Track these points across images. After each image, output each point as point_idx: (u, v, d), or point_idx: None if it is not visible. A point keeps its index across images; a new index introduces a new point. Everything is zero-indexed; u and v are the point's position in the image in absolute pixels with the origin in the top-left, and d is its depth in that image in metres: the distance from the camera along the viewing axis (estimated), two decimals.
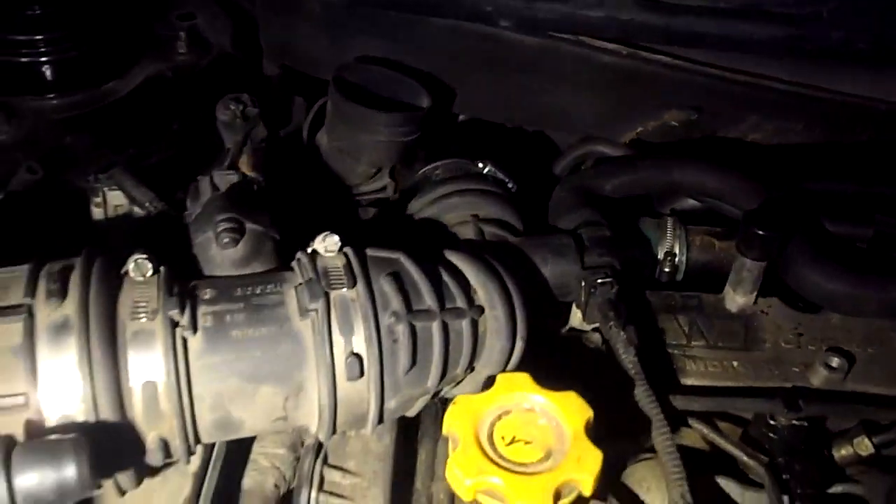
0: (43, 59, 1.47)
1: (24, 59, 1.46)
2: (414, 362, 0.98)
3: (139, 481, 0.94)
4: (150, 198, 1.22)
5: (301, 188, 1.41)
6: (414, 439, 1.18)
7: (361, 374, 0.95)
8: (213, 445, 1.13)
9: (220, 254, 1.04)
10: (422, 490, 1.11)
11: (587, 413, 0.95)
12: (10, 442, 0.78)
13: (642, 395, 1.11)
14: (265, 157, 1.34)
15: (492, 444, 0.93)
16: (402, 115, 1.43)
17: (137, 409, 0.89)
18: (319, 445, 1.11)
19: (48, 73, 1.48)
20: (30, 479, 0.76)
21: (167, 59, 1.59)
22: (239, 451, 1.18)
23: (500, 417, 0.96)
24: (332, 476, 1.09)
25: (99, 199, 1.25)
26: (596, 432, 0.95)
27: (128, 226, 1.20)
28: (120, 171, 1.25)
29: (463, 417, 0.94)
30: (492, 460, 0.90)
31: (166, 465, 1.04)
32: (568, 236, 1.31)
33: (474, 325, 1.05)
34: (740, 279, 1.36)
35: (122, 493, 0.94)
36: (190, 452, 0.96)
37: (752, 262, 1.33)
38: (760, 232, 1.29)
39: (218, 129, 1.41)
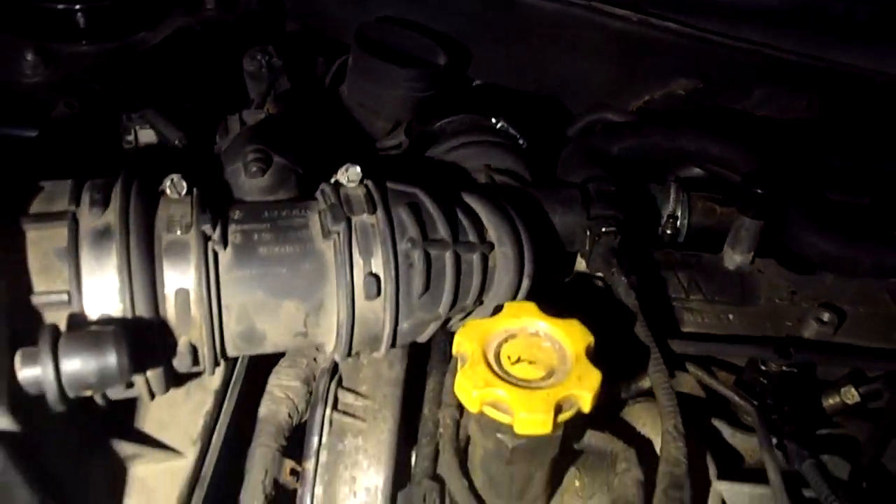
0: (77, 6, 1.53)
1: (59, 6, 1.53)
2: (427, 287, 1.04)
3: (168, 386, 1.00)
4: (180, 136, 1.29)
5: (321, 140, 1.47)
6: (423, 371, 1.24)
7: (378, 293, 1.01)
8: (233, 368, 1.20)
9: (248, 182, 1.11)
10: (429, 416, 1.16)
11: (588, 338, 1.01)
12: (55, 330, 0.84)
13: (641, 333, 1.17)
14: (287, 107, 1.40)
15: (498, 362, 0.99)
16: (419, 70, 1.49)
17: (170, 314, 0.96)
18: (334, 369, 1.17)
19: (82, 20, 1.54)
20: (74, 364, 0.83)
21: (196, 14, 1.66)
22: (255, 384, 1.25)
23: (506, 340, 1.02)
24: (346, 398, 1.15)
25: (130, 137, 1.31)
26: (596, 356, 1.01)
27: (159, 158, 1.26)
28: (151, 112, 1.31)
29: (472, 338, 1.00)
30: (498, 375, 0.96)
31: (191, 377, 1.11)
32: (575, 189, 1.38)
33: (484, 259, 1.11)
34: (738, 238, 1.42)
35: (152, 395, 1.01)
36: (215, 363, 1.02)
37: (751, 221, 1.39)
38: (759, 191, 1.36)
39: (244, 79, 1.47)
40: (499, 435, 1.00)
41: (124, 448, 1.03)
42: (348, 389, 1.16)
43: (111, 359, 0.83)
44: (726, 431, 1.25)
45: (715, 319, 1.38)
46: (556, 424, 0.94)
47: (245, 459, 1.20)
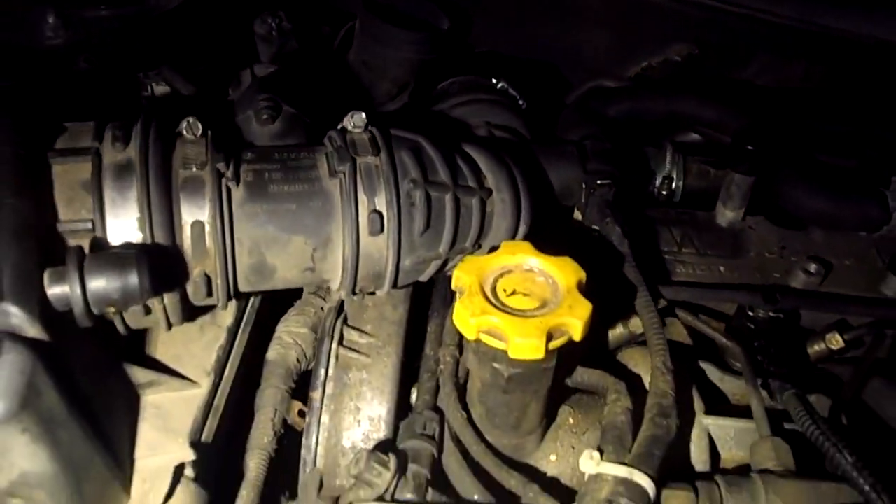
0: None
1: None
2: (428, 225, 1.10)
3: (184, 316, 1.07)
4: (194, 91, 1.35)
5: (328, 96, 1.53)
6: (424, 315, 1.30)
7: (381, 229, 1.07)
8: (244, 309, 1.27)
9: (259, 129, 1.17)
10: (430, 354, 1.23)
11: (580, 273, 1.07)
12: (81, 252, 0.91)
13: (632, 276, 1.23)
14: (297, 64, 1.46)
15: (494, 294, 1.05)
16: (424, 34, 1.55)
17: (186, 245, 1.02)
18: (340, 308, 1.23)
19: None
20: (99, 282, 0.89)
21: None
22: (265, 330, 1.31)
23: (502, 275, 1.07)
24: (351, 335, 1.21)
25: (147, 93, 1.38)
26: (587, 290, 1.06)
27: (174, 107, 1.33)
28: (168, 69, 1.38)
29: (469, 272, 1.06)
30: (493, 305, 1.02)
31: (205, 311, 1.18)
32: (572, 145, 1.43)
33: (483, 204, 1.17)
34: (730, 194, 1.48)
35: (169, 325, 1.07)
36: (228, 296, 1.08)
37: (741, 177, 1.44)
38: (749, 147, 1.41)
39: (255, 42, 1.53)
40: (495, 364, 1.05)
41: (142, 375, 1.09)
42: (353, 328, 1.22)
43: (133, 278, 0.90)
44: (715, 375, 1.30)
45: (706, 271, 1.43)
46: (548, 351, 0.99)
47: (255, 399, 1.27)
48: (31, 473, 0.83)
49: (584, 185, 1.38)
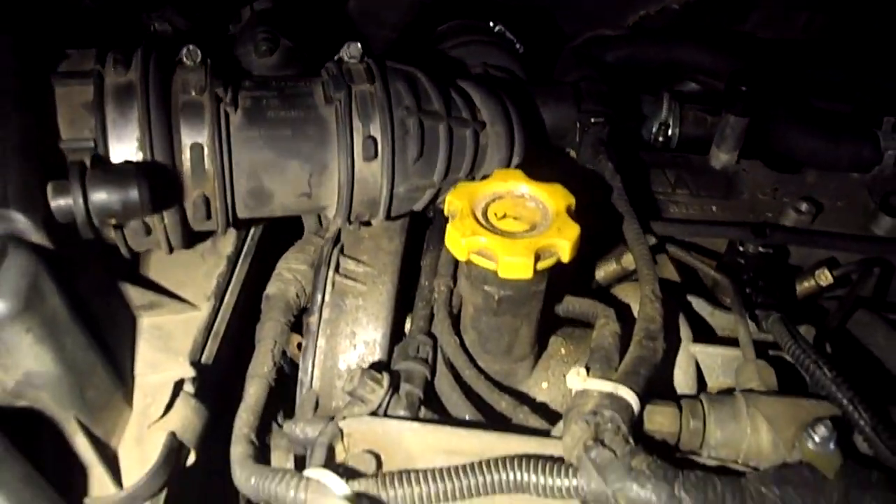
0: None
1: None
2: (421, 153, 1.13)
3: (184, 239, 1.10)
4: (196, 29, 1.37)
5: (326, 35, 1.54)
6: (420, 249, 1.33)
7: (375, 155, 1.10)
8: (244, 240, 1.30)
9: (258, 61, 1.20)
10: (425, 284, 1.26)
11: (570, 199, 1.09)
12: (83, 166, 0.94)
13: (623, 208, 1.25)
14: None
15: (485, 217, 1.07)
16: None
17: (186, 167, 1.05)
18: (337, 238, 1.26)
19: None
20: (100, 195, 0.92)
21: None
22: (265, 267, 1.34)
23: (493, 200, 1.10)
24: (348, 264, 1.24)
25: (150, 32, 1.40)
26: (576, 215, 1.09)
27: (176, 40, 1.35)
28: (170, 9, 1.40)
29: (462, 197, 1.09)
30: (484, 227, 1.05)
31: (205, 237, 1.21)
32: (567, 86, 1.45)
33: (476, 136, 1.20)
34: (724, 136, 1.50)
35: (171, 248, 1.10)
36: (227, 222, 1.12)
37: (736, 119, 1.46)
38: (743, 88, 1.43)
39: None
40: (486, 287, 1.08)
41: (143, 297, 1.12)
42: (350, 257, 1.25)
43: (133, 192, 0.93)
44: (705, 309, 1.32)
45: (699, 211, 1.46)
46: (536, 271, 1.02)
47: (254, 332, 1.30)
48: (36, 373, 0.87)
49: (577, 124, 1.40)
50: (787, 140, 1.49)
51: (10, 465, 0.80)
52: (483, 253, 1.03)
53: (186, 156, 1.04)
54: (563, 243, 1.03)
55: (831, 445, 0.93)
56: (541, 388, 1.24)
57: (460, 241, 1.03)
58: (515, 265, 1.01)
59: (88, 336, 0.94)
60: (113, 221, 0.95)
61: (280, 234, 1.42)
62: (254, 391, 1.21)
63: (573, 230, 1.05)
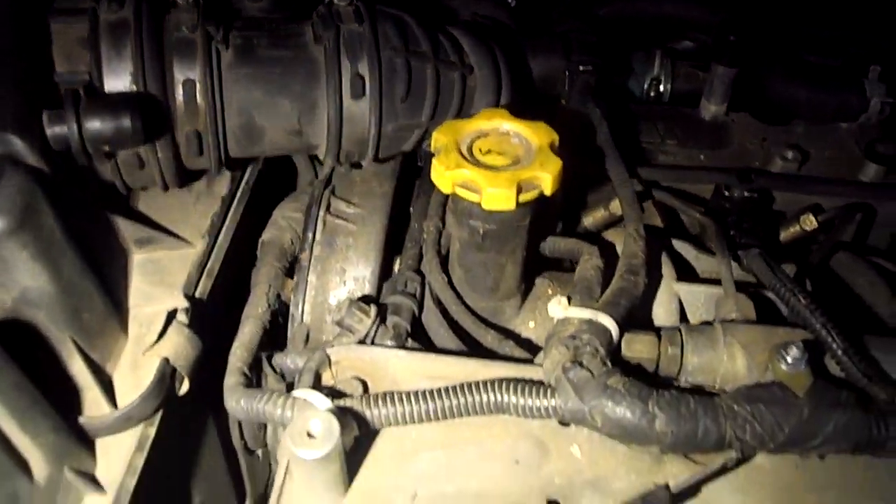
0: None
1: None
2: (409, 92, 1.16)
3: (178, 177, 1.13)
4: None
5: None
6: (410, 195, 1.36)
7: (363, 92, 1.13)
8: (240, 183, 1.33)
9: (250, 6, 1.22)
10: (415, 227, 1.28)
11: (553, 135, 1.11)
12: (77, 95, 0.97)
13: (608, 150, 1.27)
14: None
15: (470, 152, 1.10)
16: None
17: (178, 102, 1.08)
18: (329, 180, 1.29)
19: None
20: (94, 123, 0.96)
21: None
22: (258, 213, 1.37)
23: (479, 137, 1.13)
24: (339, 205, 1.27)
25: None
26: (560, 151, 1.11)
27: None
28: None
29: (447, 133, 1.11)
30: (468, 160, 1.08)
31: (198, 176, 1.24)
32: (557, 36, 1.48)
33: (464, 79, 1.22)
34: (713, 88, 1.52)
35: (165, 186, 1.14)
36: (219, 159, 1.15)
37: (725, 70, 1.48)
38: (732, 38, 1.44)
39: None
40: (471, 221, 1.11)
41: (140, 232, 1.15)
42: (342, 198, 1.28)
43: (126, 120, 0.96)
44: (690, 253, 1.34)
45: (687, 160, 1.48)
46: (519, 204, 1.05)
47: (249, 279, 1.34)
48: (32, 289, 0.90)
49: (566, 73, 1.42)
50: (775, 89, 1.51)
51: (5, 373, 0.83)
52: (467, 185, 1.06)
53: (179, 91, 1.07)
54: (545, 176, 1.06)
55: (802, 366, 0.95)
56: (528, 328, 1.26)
57: (444, 173, 1.06)
58: (498, 196, 1.03)
59: (83, 261, 0.97)
60: (106, 149, 0.98)
61: (275, 183, 1.45)
62: (248, 330, 1.24)
63: (556, 164, 1.07)
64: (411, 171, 1.38)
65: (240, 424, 1.29)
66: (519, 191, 1.05)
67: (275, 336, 1.28)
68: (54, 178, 0.94)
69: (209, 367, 1.15)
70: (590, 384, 0.94)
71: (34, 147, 0.92)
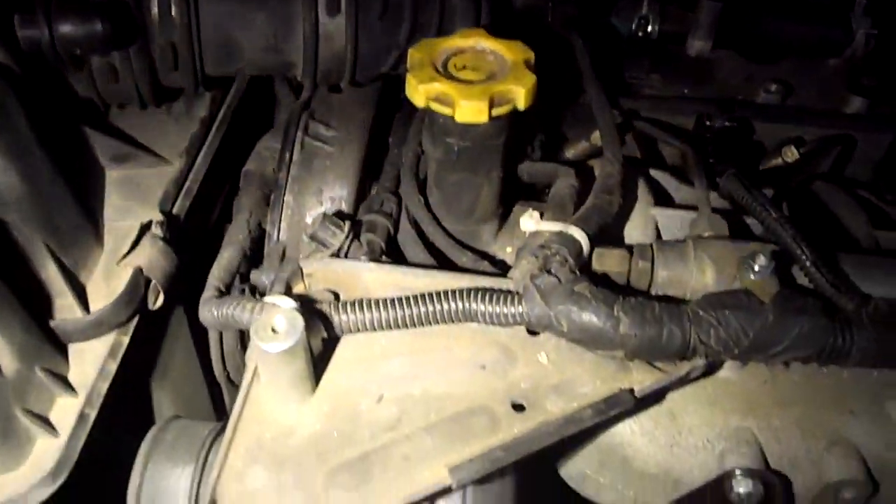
0: None
1: None
2: (385, 10, 1.15)
3: (155, 95, 1.14)
4: None
5: None
6: (390, 127, 1.36)
7: (339, 9, 1.13)
8: (220, 106, 1.33)
9: None
10: (395, 153, 1.29)
11: (529, 53, 1.11)
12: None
13: (590, 80, 1.27)
14: None
15: (445, 68, 1.10)
16: None
17: (153, 13, 1.08)
18: (308, 103, 1.29)
19: None
20: (66, 27, 0.96)
21: None
22: (239, 139, 1.38)
23: (455, 54, 1.13)
24: (317, 128, 1.27)
25: None
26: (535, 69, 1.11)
27: None
28: None
29: (423, 50, 1.11)
30: (442, 75, 1.08)
31: (176, 95, 1.24)
32: None
33: (443, 2, 1.22)
34: (699, 24, 1.51)
35: (143, 104, 1.14)
36: (195, 77, 1.15)
37: (710, 4, 1.48)
38: None
39: None
40: (447, 139, 1.11)
41: (118, 148, 1.16)
42: (320, 121, 1.28)
43: (97, 24, 0.96)
44: (670, 184, 1.34)
45: (670, 92, 1.47)
46: (492, 118, 1.05)
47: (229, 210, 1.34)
48: (3, 186, 0.91)
49: (550, 3, 1.41)
50: (761, 24, 1.50)
51: None
52: (440, 99, 1.06)
53: (154, 1, 1.07)
54: (518, 90, 1.06)
55: (769, 274, 0.96)
56: (504, 252, 1.26)
57: (418, 87, 1.06)
58: (471, 109, 1.03)
59: (55, 165, 0.98)
60: (77, 52, 0.98)
61: (257, 113, 1.45)
62: (227, 255, 1.25)
63: (530, 79, 1.07)
64: (392, 104, 1.38)
65: (223, 357, 1.31)
66: (492, 104, 1.05)
67: (255, 262, 1.30)
68: (26, 81, 0.94)
69: (190, 290, 1.16)
70: (557, 290, 0.94)
71: (5, 48, 0.93)
